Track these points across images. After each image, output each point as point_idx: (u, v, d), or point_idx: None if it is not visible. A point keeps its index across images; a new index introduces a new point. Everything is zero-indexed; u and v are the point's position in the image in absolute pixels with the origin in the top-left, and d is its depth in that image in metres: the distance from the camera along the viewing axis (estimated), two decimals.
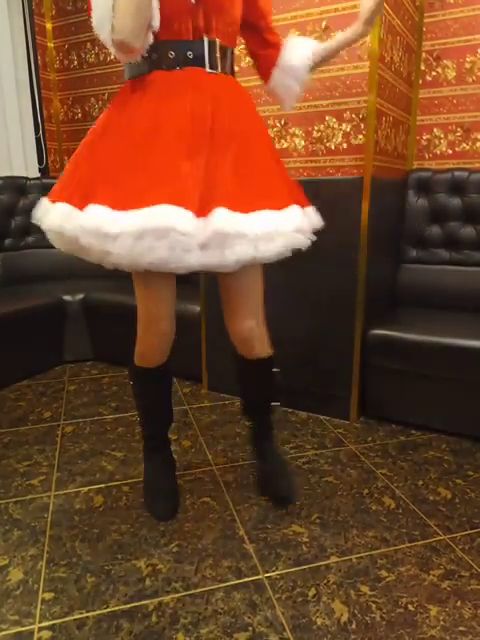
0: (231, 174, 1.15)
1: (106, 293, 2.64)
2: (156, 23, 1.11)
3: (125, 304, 2.55)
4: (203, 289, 2.24)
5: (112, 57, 3.14)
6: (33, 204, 3.16)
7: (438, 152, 2.34)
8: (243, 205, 1.12)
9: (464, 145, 2.28)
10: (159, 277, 1.25)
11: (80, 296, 2.67)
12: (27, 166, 3.06)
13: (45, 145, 3.24)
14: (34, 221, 1.28)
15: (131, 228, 1.04)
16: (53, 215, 1.19)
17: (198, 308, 2.30)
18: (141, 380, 1.49)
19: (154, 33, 1.13)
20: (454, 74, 2.23)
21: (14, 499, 1.55)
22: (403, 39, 2.02)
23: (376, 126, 1.81)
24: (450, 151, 2.31)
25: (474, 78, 2.20)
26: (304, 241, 1.23)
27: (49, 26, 3.29)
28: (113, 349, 2.69)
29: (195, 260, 1.09)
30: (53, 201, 1.22)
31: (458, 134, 2.28)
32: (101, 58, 3.18)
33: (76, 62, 3.29)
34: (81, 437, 1.94)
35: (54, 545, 1.34)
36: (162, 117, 1.13)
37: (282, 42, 1.39)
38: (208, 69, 1.19)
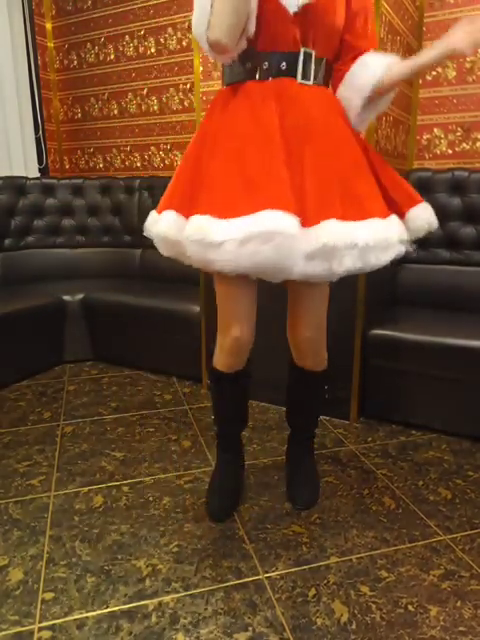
0: (332, 184, 1.13)
1: (106, 293, 2.64)
2: (251, 28, 1.11)
3: (125, 304, 2.56)
4: (203, 289, 2.24)
5: (112, 57, 3.14)
6: (33, 204, 3.21)
7: (438, 152, 2.34)
8: (353, 214, 1.11)
9: (464, 145, 2.27)
10: (240, 282, 1.24)
11: (80, 296, 2.66)
12: (27, 166, 3.06)
13: (45, 145, 3.24)
14: (145, 234, 1.31)
15: (236, 235, 1.03)
16: (162, 224, 1.22)
17: (198, 308, 2.30)
18: (216, 382, 1.47)
19: (250, 40, 1.13)
20: (454, 74, 2.23)
21: (14, 499, 1.55)
22: (403, 39, 2.02)
23: (376, 126, 1.81)
24: (450, 151, 2.31)
25: (474, 78, 2.20)
26: (403, 251, 1.20)
27: (49, 26, 3.29)
28: (113, 349, 2.69)
29: (299, 270, 1.09)
30: (159, 211, 1.26)
31: (458, 134, 2.27)
32: (101, 58, 3.18)
33: (76, 62, 3.29)
34: (81, 437, 1.94)
35: (54, 545, 1.34)
36: (256, 128, 1.13)
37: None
38: (300, 80, 1.17)
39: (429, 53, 1.18)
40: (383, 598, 1.16)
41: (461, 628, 1.08)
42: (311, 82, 1.19)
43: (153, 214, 1.31)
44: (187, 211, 1.15)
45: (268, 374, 2.13)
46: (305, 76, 1.18)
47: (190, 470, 1.70)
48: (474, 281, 2.15)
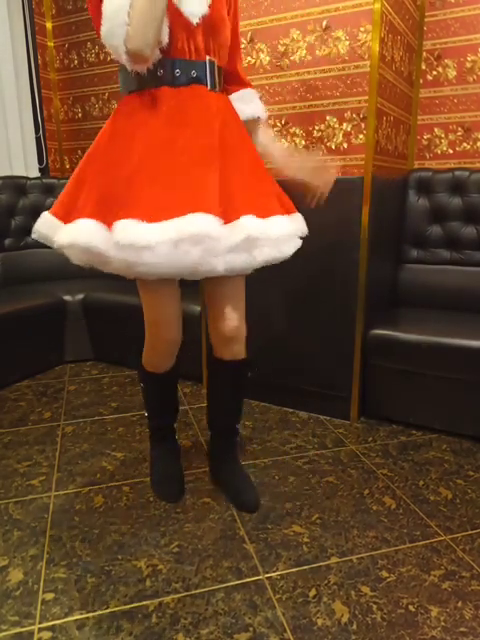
0: (243, 184, 1.24)
1: (106, 293, 2.64)
2: (165, 38, 1.16)
3: (125, 304, 2.55)
4: (203, 290, 2.24)
5: (112, 57, 3.13)
6: (33, 204, 3.20)
7: (439, 152, 2.33)
8: (261, 212, 1.23)
9: (465, 145, 2.27)
10: (165, 286, 1.31)
11: (80, 296, 2.66)
12: (27, 166, 3.06)
13: (45, 145, 3.23)
14: (35, 237, 1.29)
15: (168, 237, 1.08)
16: (82, 234, 1.15)
17: (198, 308, 2.30)
18: (148, 383, 1.57)
19: (161, 49, 1.17)
20: (455, 73, 2.23)
21: (14, 499, 1.55)
22: (404, 38, 2.02)
23: (377, 126, 1.80)
24: (451, 151, 2.31)
25: (475, 77, 2.19)
26: (300, 243, 1.35)
27: (49, 25, 3.29)
28: (113, 349, 2.69)
29: (222, 264, 1.18)
30: (65, 220, 1.21)
31: (459, 134, 2.27)
32: (101, 57, 3.18)
33: (76, 61, 3.28)
34: (81, 437, 1.94)
35: (54, 545, 1.34)
36: (175, 132, 1.18)
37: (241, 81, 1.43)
38: (209, 87, 1.25)
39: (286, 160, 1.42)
40: (384, 598, 1.16)
41: (462, 629, 1.08)
42: (217, 90, 1.27)
43: (47, 217, 1.26)
44: (107, 217, 1.13)
45: (268, 374, 2.13)
46: (213, 84, 1.25)
47: (190, 470, 1.70)
48: (474, 281, 2.15)
